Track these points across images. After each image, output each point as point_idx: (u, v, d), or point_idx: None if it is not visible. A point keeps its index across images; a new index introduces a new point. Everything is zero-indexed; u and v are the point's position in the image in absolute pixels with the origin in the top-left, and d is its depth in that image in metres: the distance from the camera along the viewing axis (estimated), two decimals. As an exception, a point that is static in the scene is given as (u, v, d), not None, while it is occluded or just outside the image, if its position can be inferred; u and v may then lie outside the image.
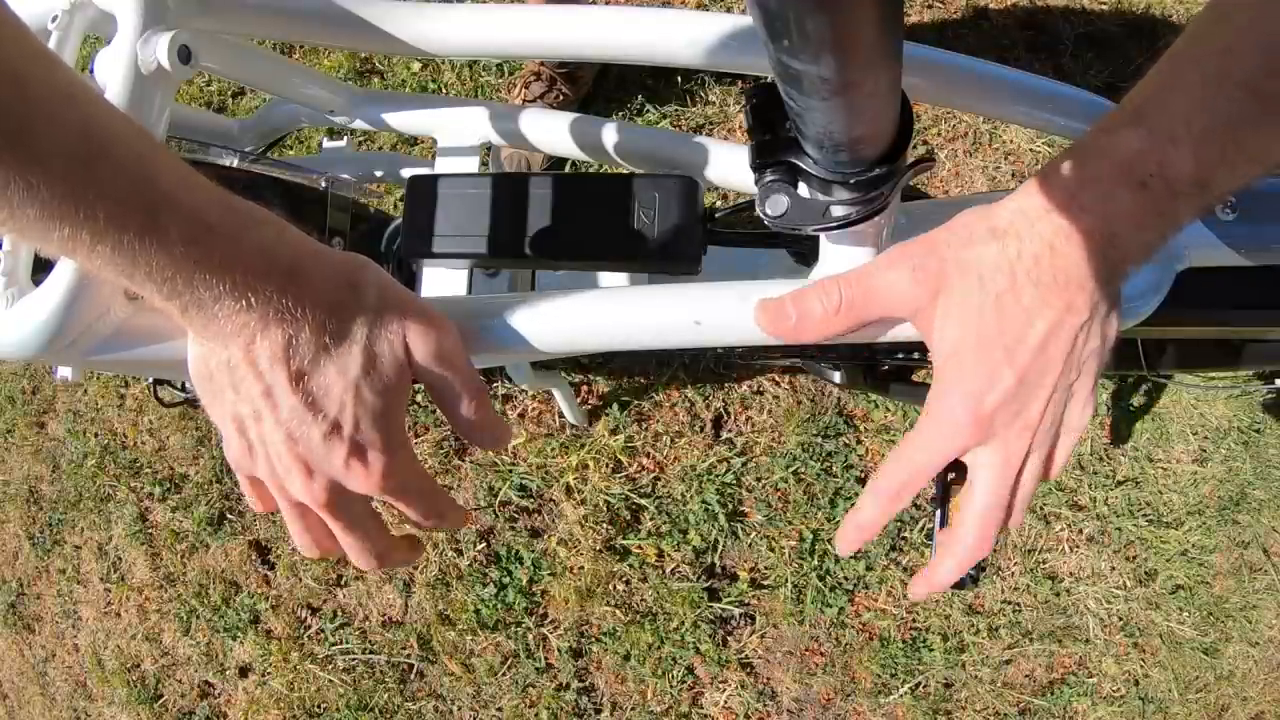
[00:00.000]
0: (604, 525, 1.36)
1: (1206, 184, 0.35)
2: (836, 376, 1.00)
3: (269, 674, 1.49)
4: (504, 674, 1.39)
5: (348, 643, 1.46)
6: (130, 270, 0.35)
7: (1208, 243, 0.53)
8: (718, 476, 1.36)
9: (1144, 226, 0.36)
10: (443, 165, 0.78)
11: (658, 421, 1.40)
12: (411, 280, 0.79)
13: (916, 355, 0.94)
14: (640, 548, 1.36)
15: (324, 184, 0.84)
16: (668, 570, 1.35)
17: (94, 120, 0.34)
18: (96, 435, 1.66)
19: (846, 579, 1.32)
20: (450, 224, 0.62)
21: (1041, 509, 1.31)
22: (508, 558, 1.40)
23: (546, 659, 1.38)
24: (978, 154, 1.40)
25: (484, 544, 1.42)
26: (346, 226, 0.86)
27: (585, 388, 1.43)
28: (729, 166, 0.72)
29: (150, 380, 1.11)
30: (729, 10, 1.49)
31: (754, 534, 1.35)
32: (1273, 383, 1.21)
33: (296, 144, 1.56)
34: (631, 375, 1.42)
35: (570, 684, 1.36)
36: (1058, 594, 1.29)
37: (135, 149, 0.35)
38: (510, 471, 1.42)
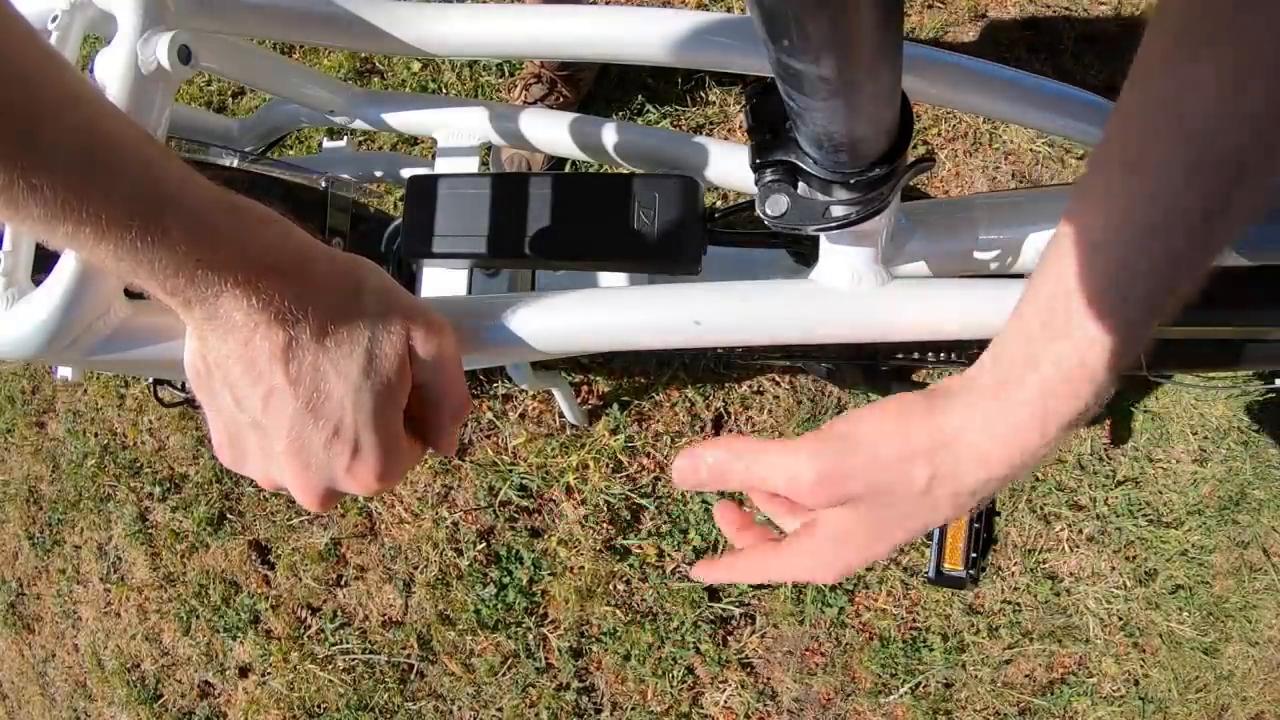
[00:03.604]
0: (604, 525, 1.36)
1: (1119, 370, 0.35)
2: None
3: (269, 674, 1.49)
4: (504, 674, 1.39)
5: (348, 643, 1.46)
6: (133, 267, 0.35)
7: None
8: (718, 476, 1.36)
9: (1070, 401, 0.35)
10: (443, 165, 0.78)
11: (658, 421, 1.40)
12: (411, 280, 0.79)
13: (916, 355, 0.94)
14: (640, 548, 1.36)
15: (324, 184, 0.84)
16: (668, 570, 1.35)
17: (99, 123, 0.34)
18: (96, 435, 1.66)
19: (846, 579, 1.32)
20: (450, 224, 0.62)
21: (1042, 509, 1.31)
22: (508, 558, 1.40)
23: (546, 659, 1.38)
24: (978, 154, 1.40)
25: (484, 544, 1.42)
26: (346, 226, 0.86)
27: (585, 388, 1.43)
28: (729, 166, 0.72)
29: (150, 380, 1.11)
30: (729, 10, 1.49)
31: (754, 534, 1.35)
32: (1273, 383, 1.22)
33: (296, 144, 1.56)
34: (631, 375, 1.42)
35: (570, 684, 1.36)
36: (1058, 594, 1.29)
37: (139, 151, 0.35)
38: (510, 471, 1.42)
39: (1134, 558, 1.29)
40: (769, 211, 0.44)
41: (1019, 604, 1.29)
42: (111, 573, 1.62)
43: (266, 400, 0.38)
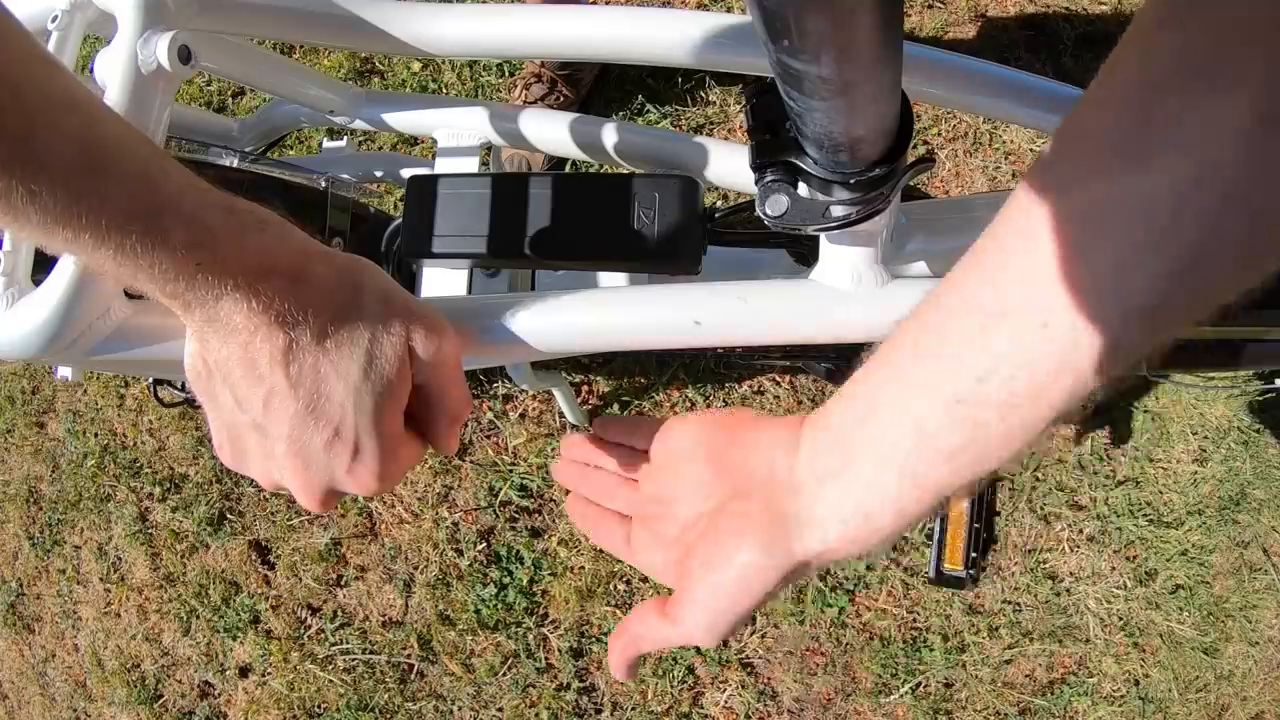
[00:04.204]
0: (604, 525, 1.36)
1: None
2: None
3: (269, 674, 1.49)
4: (504, 674, 1.39)
5: (348, 643, 1.46)
6: (133, 271, 0.35)
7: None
8: (718, 476, 1.36)
9: None
10: (443, 165, 0.78)
11: (658, 421, 1.40)
12: (411, 280, 0.79)
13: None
14: (640, 548, 1.36)
15: (324, 184, 0.84)
16: (668, 570, 1.35)
17: (95, 126, 0.34)
18: (96, 435, 1.66)
19: (847, 579, 1.32)
20: (450, 224, 0.63)
21: (1042, 509, 1.31)
22: (508, 558, 1.40)
23: (547, 659, 1.38)
24: (978, 154, 1.40)
25: (484, 544, 1.42)
26: (346, 226, 0.86)
27: (585, 388, 1.43)
28: (729, 166, 0.72)
29: (150, 380, 1.11)
30: (729, 10, 1.49)
31: (754, 534, 1.35)
32: (1272, 383, 1.22)
33: (296, 144, 1.56)
34: (631, 375, 1.42)
35: (570, 684, 1.36)
36: (1058, 594, 1.29)
37: (137, 154, 0.35)
38: (511, 471, 1.42)
39: (1134, 558, 1.29)
40: (769, 211, 0.44)
41: (1019, 604, 1.29)
42: (111, 573, 1.62)
43: (267, 402, 0.38)
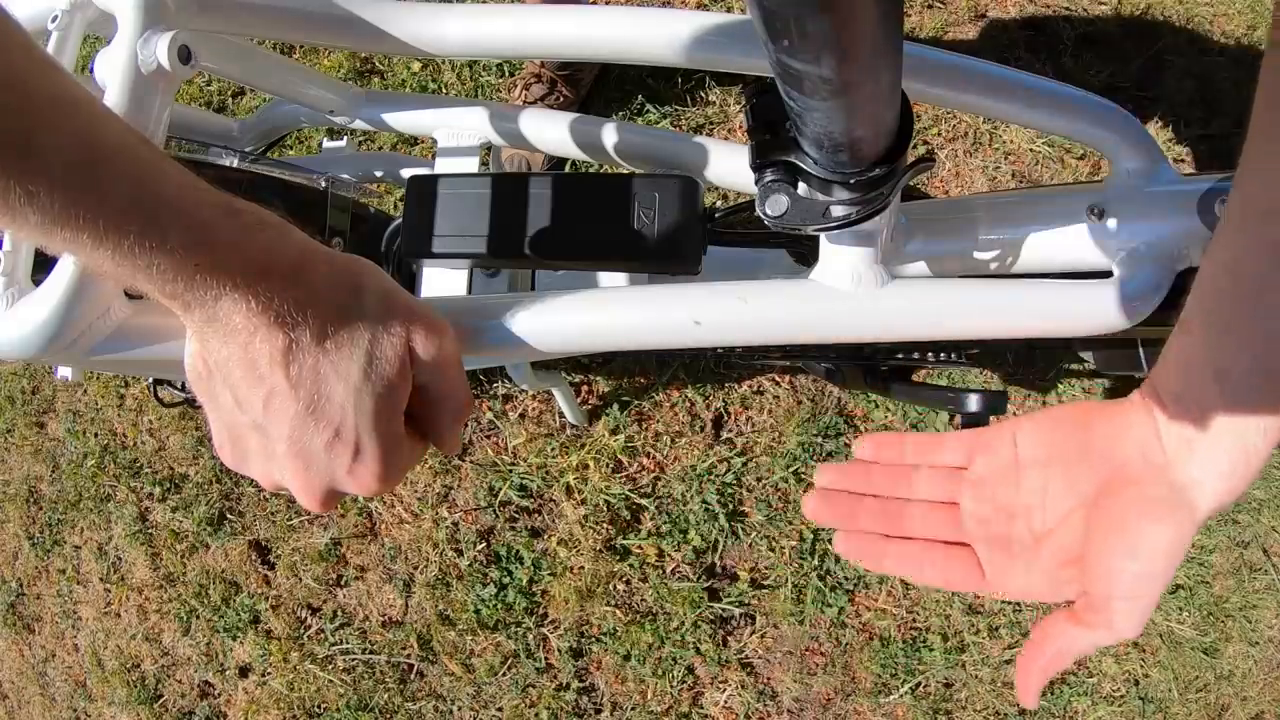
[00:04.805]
0: (604, 525, 1.36)
1: None
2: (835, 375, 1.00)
3: (269, 674, 1.49)
4: (504, 674, 1.39)
5: (348, 643, 1.46)
6: (131, 271, 0.35)
7: (1207, 242, 0.53)
8: (718, 476, 1.36)
9: None
10: (443, 165, 0.78)
11: (658, 421, 1.40)
12: (411, 280, 0.79)
13: (916, 355, 0.94)
14: (640, 548, 1.36)
15: (324, 184, 0.84)
16: (668, 570, 1.35)
17: (95, 128, 0.34)
18: (96, 435, 1.66)
19: (847, 579, 1.32)
20: (450, 224, 0.63)
21: (1041, 509, 1.31)
22: (508, 558, 1.40)
23: (546, 659, 1.38)
24: (978, 154, 1.40)
25: (484, 544, 1.42)
26: (346, 226, 0.86)
27: (585, 388, 1.43)
28: (729, 166, 0.72)
29: (150, 380, 1.11)
30: (729, 10, 1.49)
31: (754, 534, 1.35)
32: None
33: (296, 144, 1.56)
34: (631, 375, 1.42)
35: (570, 684, 1.36)
36: (1058, 594, 1.29)
37: (136, 155, 0.35)
38: (510, 471, 1.42)
39: (1134, 558, 1.29)
40: (769, 211, 0.44)
41: (1019, 604, 1.29)
42: (111, 573, 1.62)
43: (267, 402, 0.38)
